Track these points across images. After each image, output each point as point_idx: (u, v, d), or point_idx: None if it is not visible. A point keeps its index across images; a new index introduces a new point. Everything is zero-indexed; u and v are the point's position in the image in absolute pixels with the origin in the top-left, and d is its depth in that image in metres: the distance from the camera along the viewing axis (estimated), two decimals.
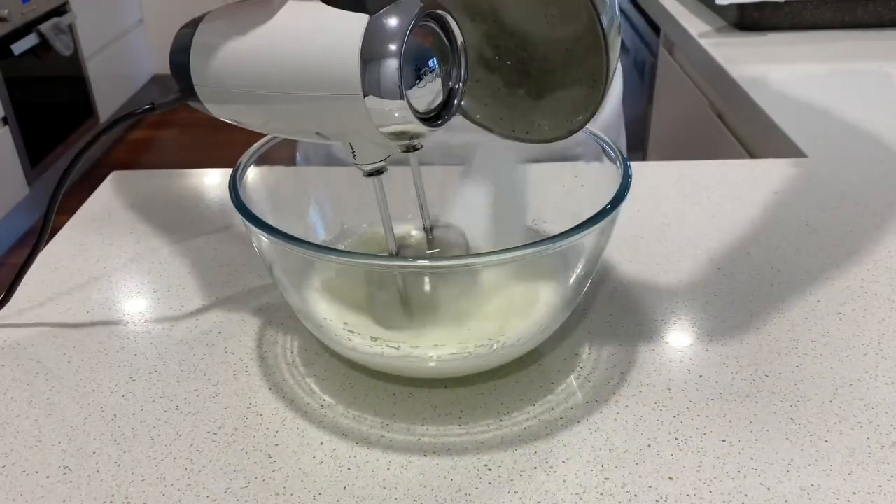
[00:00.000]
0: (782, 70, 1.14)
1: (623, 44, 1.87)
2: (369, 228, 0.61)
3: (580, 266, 0.50)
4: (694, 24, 1.35)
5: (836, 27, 1.29)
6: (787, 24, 1.30)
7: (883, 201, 0.73)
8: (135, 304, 0.61)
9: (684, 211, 0.72)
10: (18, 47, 2.40)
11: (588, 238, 0.46)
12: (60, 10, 2.67)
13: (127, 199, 0.77)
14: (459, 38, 0.46)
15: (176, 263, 0.66)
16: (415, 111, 0.43)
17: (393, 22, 0.41)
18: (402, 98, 0.41)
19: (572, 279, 0.50)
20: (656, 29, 1.57)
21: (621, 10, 1.83)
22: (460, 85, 0.47)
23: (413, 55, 0.42)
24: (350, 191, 0.60)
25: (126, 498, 0.44)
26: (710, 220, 0.70)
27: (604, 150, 0.54)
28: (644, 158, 1.64)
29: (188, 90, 0.48)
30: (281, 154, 0.57)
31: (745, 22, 1.30)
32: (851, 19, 1.29)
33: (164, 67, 3.48)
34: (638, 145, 1.67)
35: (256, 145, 0.55)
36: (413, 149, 0.49)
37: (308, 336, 0.56)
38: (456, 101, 0.47)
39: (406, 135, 0.45)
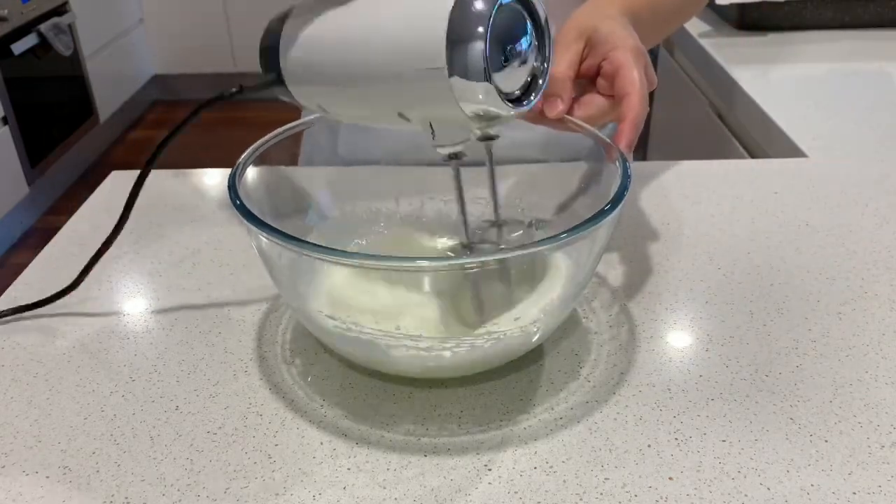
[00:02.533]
0: (782, 70, 1.14)
1: None
2: (388, 229, 0.62)
3: (578, 266, 0.50)
4: (694, 24, 1.35)
5: (836, 27, 1.29)
6: (788, 23, 1.30)
7: (883, 201, 0.73)
8: (134, 304, 0.61)
9: (684, 211, 0.72)
10: (18, 47, 2.40)
11: (586, 239, 0.46)
12: (60, 10, 2.67)
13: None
14: (543, 16, 0.45)
15: (176, 263, 0.66)
16: (500, 92, 0.43)
17: (479, 3, 0.41)
18: (488, 80, 0.42)
19: (570, 280, 0.50)
20: None
21: None
22: (546, 65, 0.47)
23: (499, 36, 0.42)
24: (354, 190, 0.61)
25: (126, 498, 0.44)
26: (710, 220, 0.70)
27: (604, 149, 0.54)
28: (644, 158, 1.64)
29: (277, 76, 0.49)
30: (280, 155, 0.57)
31: (745, 22, 1.30)
32: (851, 19, 1.29)
33: (164, 67, 3.48)
34: (638, 145, 1.66)
35: (255, 145, 0.55)
36: (489, 138, 0.49)
37: (308, 336, 0.56)
38: (541, 82, 0.47)
39: (489, 116, 0.45)
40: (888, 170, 0.80)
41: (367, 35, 0.44)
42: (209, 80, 3.47)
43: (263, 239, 0.47)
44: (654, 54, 1.60)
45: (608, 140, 0.53)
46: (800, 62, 1.18)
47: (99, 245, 0.56)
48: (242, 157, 0.53)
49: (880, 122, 0.93)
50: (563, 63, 0.54)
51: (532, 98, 0.46)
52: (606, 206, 0.46)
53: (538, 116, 0.54)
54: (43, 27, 2.53)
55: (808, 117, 0.95)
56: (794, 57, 1.20)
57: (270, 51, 0.49)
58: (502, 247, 0.56)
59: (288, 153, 0.59)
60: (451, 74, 0.41)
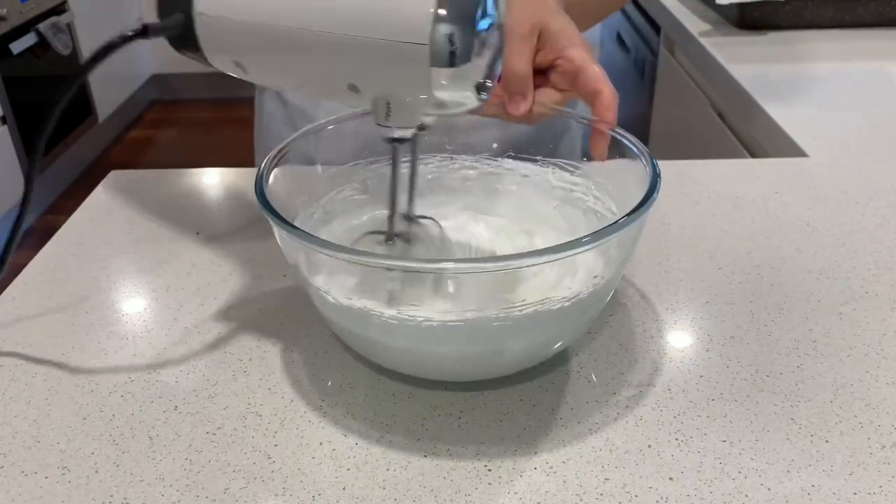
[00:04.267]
0: (782, 69, 1.14)
1: (623, 43, 1.87)
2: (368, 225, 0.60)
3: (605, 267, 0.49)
4: (694, 23, 1.35)
5: (836, 26, 1.29)
6: (788, 23, 1.30)
7: (883, 201, 0.73)
8: (133, 304, 0.61)
9: (684, 211, 0.72)
10: (17, 46, 2.40)
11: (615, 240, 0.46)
12: (59, 9, 2.67)
13: (125, 198, 0.77)
14: (503, 8, 0.45)
15: (175, 263, 0.66)
16: (473, 80, 0.42)
17: None
18: (468, 64, 0.40)
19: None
20: (656, 28, 1.57)
21: (623, 10, 1.83)
22: (500, 56, 0.46)
23: (480, 23, 0.41)
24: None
25: (125, 498, 0.44)
26: (710, 220, 0.70)
27: (630, 147, 0.53)
28: None
29: (184, 17, 0.42)
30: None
31: (745, 21, 1.30)
32: (852, 18, 1.29)
33: (162, 67, 3.48)
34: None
35: (278, 147, 0.53)
36: (422, 128, 0.48)
37: (308, 336, 0.56)
38: (497, 72, 0.46)
39: (454, 104, 0.43)
40: (888, 170, 0.80)
41: None
42: (208, 80, 3.47)
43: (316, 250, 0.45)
44: (654, 53, 1.60)
45: (648, 156, 0.52)
46: (800, 62, 1.17)
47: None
48: (266, 160, 0.52)
49: (880, 122, 0.93)
50: (522, 59, 0.54)
51: (490, 87, 0.45)
52: (630, 212, 0.45)
53: (504, 114, 0.55)
54: (42, 26, 2.53)
55: (808, 117, 0.95)
56: (794, 56, 1.20)
57: None
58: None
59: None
60: (432, 55, 0.39)
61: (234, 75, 0.46)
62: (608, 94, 0.54)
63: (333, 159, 0.60)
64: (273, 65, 0.44)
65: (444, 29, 0.39)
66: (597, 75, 0.55)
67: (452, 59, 0.40)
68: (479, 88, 0.44)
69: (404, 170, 0.52)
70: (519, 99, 0.55)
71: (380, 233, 0.53)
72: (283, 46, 0.42)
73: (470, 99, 0.44)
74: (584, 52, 0.55)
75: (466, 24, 0.40)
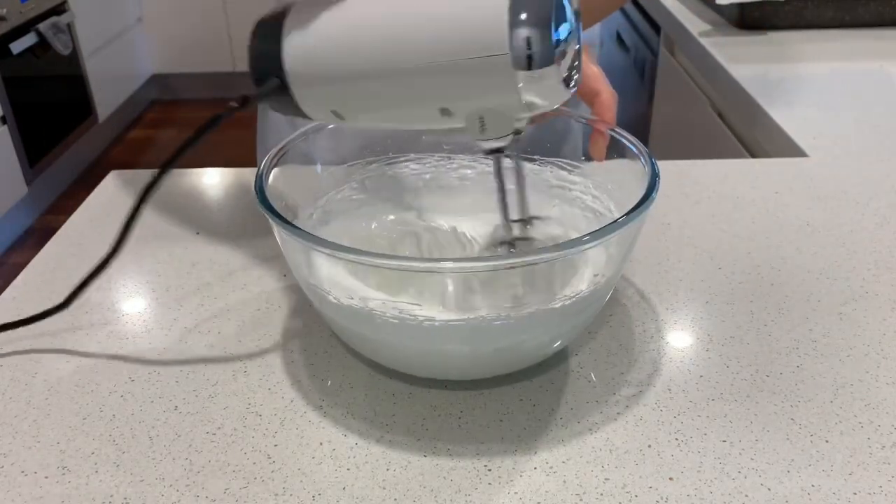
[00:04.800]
0: (782, 69, 1.14)
1: (623, 42, 1.87)
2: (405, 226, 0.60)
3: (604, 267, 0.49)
4: (694, 23, 1.35)
5: (836, 26, 1.29)
6: (788, 23, 1.30)
7: (883, 201, 0.73)
8: (133, 304, 0.61)
9: (684, 211, 0.72)
10: (17, 46, 2.40)
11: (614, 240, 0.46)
12: (59, 9, 2.67)
13: (126, 198, 0.77)
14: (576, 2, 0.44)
15: (175, 263, 0.66)
16: (559, 77, 0.42)
17: None
18: (552, 64, 0.40)
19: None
20: (656, 28, 1.57)
21: (623, 10, 1.83)
22: (579, 45, 0.45)
23: (558, 18, 0.41)
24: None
25: (125, 498, 0.44)
26: (710, 220, 0.70)
27: (629, 146, 0.53)
28: None
29: (280, 81, 0.44)
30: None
31: (745, 21, 1.30)
32: (852, 18, 1.29)
33: (163, 66, 3.48)
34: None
35: (278, 147, 0.53)
36: (518, 132, 0.48)
37: (307, 336, 0.56)
38: (579, 64, 0.45)
39: (545, 103, 0.43)
40: (888, 170, 0.80)
41: (410, 22, 0.40)
42: (208, 80, 3.47)
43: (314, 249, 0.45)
44: (654, 53, 1.60)
45: (647, 155, 0.52)
46: (800, 62, 1.17)
47: (98, 245, 0.56)
48: (265, 161, 0.52)
49: (880, 122, 0.93)
50: None
51: (575, 79, 0.45)
52: (631, 210, 0.46)
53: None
54: (42, 26, 2.53)
55: (808, 117, 0.95)
56: (794, 57, 1.20)
57: (268, 50, 0.44)
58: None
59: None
60: (514, 61, 0.39)
61: (335, 124, 0.48)
62: (607, 95, 0.54)
63: (333, 159, 0.60)
64: (367, 107, 0.46)
65: (522, 33, 0.39)
66: (595, 75, 0.54)
67: (531, 62, 0.40)
68: (567, 81, 0.44)
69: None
70: None
71: (503, 242, 0.53)
72: (373, 88, 0.43)
73: (561, 93, 0.43)
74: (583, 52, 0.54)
75: (544, 26, 0.40)
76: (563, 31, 0.42)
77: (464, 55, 0.40)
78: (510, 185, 0.52)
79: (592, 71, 0.54)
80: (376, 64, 0.42)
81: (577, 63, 0.45)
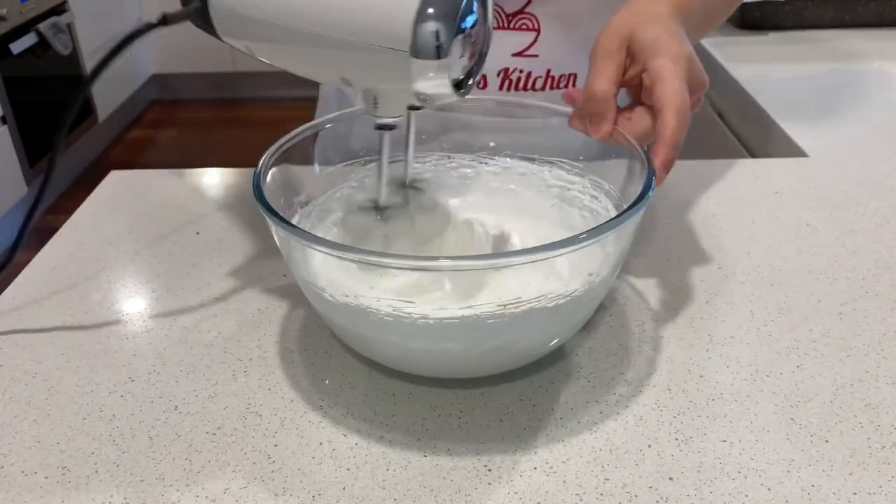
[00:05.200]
0: (782, 69, 1.14)
1: None
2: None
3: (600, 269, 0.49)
4: None
5: (836, 27, 1.29)
6: (788, 23, 1.30)
7: (883, 201, 0.73)
8: (133, 304, 0.61)
9: (684, 211, 0.72)
10: (17, 46, 2.40)
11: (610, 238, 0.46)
12: (59, 9, 2.67)
13: (125, 198, 0.77)
14: (490, 8, 0.46)
15: (174, 263, 0.66)
16: (452, 78, 0.43)
17: None
18: (445, 63, 0.42)
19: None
20: None
21: None
22: (484, 51, 0.46)
23: (463, 22, 0.42)
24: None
25: (125, 498, 0.44)
26: (711, 220, 0.70)
27: (638, 164, 0.52)
28: None
29: (201, 4, 0.46)
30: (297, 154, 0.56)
31: (745, 21, 1.30)
32: (852, 18, 1.29)
33: (163, 66, 3.48)
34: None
35: (276, 144, 0.54)
36: (417, 108, 0.50)
37: (307, 336, 0.56)
38: (478, 69, 0.46)
39: (436, 98, 0.45)
40: (888, 170, 0.80)
41: None
42: (208, 80, 3.46)
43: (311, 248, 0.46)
44: None
45: (644, 156, 0.50)
46: (800, 62, 1.17)
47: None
48: (263, 158, 0.52)
49: (880, 122, 0.93)
50: (604, 78, 0.51)
51: (471, 84, 0.46)
52: (627, 209, 0.46)
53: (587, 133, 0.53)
54: (42, 26, 2.53)
55: (808, 117, 0.95)
56: (794, 57, 1.20)
57: None
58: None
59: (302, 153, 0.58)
60: (413, 54, 0.41)
61: (248, 55, 0.50)
62: (669, 125, 0.48)
63: (332, 158, 0.60)
64: (275, 53, 0.48)
65: (427, 27, 0.41)
66: (667, 93, 0.48)
67: (431, 54, 0.42)
68: (458, 85, 0.45)
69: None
70: (598, 120, 0.51)
71: (373, 207, 0.54)
72: (283, 40, 0.46)
73: (448, 95, 0.45)
74: (669, 63, 0.49)
75: (449, 23, 0.41)
76: (468, 24, 0.43)
77: (366, 39, 0.42)
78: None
79: (665, 88, 0.48)
80: (288, 21, 0.44)
81: (474, 72, 0.46)
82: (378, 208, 0.54)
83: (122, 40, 0.49)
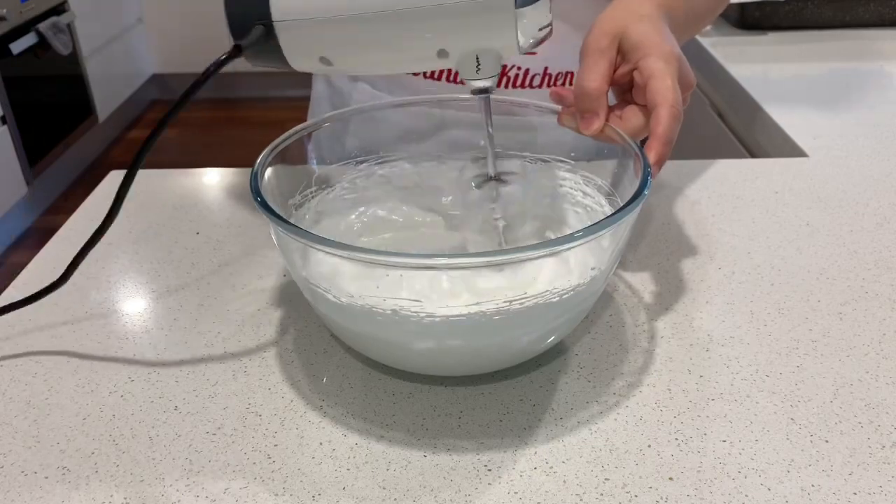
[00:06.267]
0: (782, 70, 1.14)
1: None
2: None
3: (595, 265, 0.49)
4: None
5: (836, 27, 1.29)
6: (788, 23, 1.30)
7: (883, 201, 0.73)
8: (133, 305, 0.61)
9: (684, 211, 0.72)
10: (17, 46, 2.40)
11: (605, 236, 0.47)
12: (59, 9, 2.67)
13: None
14: None
15: (174, 263, 0.66)
16: (542, 25, 0.45)
17: None
18: (542, 4, 0.44)
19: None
20: None
21: None
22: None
23: None
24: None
25: (125, 498, 0.44)
26: (710, 220, 0.70)
27: (633, 161, 0.53)
28: None
29: (265, 27, 0.44)
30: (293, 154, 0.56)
31: (745, 21, 1.30)
32: (852, 18, 1.29)
33: (163, 66, 3.48)
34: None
35: (272, 145, 0.54)
36: (484, 91, 0.50)
37: (307, 336, 0.56)
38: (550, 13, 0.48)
39: (536, 42, 0.46)
40: (888, 170, 0.80)
41: None
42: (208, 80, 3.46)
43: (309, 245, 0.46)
44: None
45: (639, 150, 0.50)
46: (800, 62, 1.17)
47: (98, 245, 0.56)
48: (260, 158, 0.52)
49: (880, 122, 0.93)
50: (596, 75, 0.51)
51: (543, 37, 0.48)
52: (621, 207, 0.46)
53: (576, 129, 0.53)
54: (42, 26, 2.53)
55: (808, 117, 0.95)
56: (794, 57, 1.20)
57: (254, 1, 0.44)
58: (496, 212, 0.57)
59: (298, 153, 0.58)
60: (518, 4, 0.42)
61: (318, 72, 0.49)
62: (663, 122, 0.48)
63: (326, 158, 0.60)
64: (360, 51, 0.46)
65: None
66: (661, 90, 0.49)
67: (532, 3, 0.44)
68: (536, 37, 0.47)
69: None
70: (589, 117, 0.51)
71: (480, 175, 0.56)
72: (369, 31, 0.44)
73: (547, 31, 0.47)
74: (660, 62, 0.50)
75: None
76: None
77: None
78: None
79: (657, 86, 0.49)
80: (372, 6, 0.43)
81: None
82: (487, 178, 0.55)
83: (207, 71, 0.47)
